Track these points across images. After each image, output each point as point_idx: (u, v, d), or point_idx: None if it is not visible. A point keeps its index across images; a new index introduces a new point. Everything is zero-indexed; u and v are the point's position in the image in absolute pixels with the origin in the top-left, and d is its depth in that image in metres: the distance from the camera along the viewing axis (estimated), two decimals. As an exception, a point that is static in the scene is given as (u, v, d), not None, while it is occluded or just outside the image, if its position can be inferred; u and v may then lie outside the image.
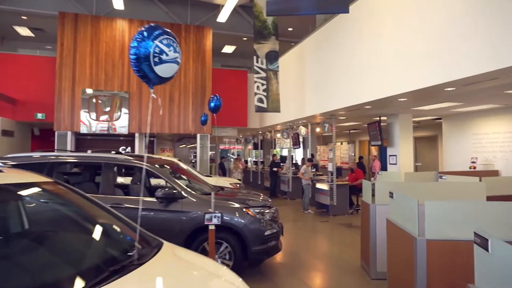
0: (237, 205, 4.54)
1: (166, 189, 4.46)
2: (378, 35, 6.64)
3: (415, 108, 8.22)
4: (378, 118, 9.61)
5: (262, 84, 9.25)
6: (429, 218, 2.72)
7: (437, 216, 2.73)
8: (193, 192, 4.62)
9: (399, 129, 9.06)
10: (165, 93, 11.48)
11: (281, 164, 13.89)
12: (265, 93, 9.26)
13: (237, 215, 4.44)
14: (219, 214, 4.21)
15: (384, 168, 14.02)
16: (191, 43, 11.78)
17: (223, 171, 13.91)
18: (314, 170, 11.41)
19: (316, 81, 9.25)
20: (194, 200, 4.49)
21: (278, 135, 13.93)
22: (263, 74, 9.33)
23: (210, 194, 4.97)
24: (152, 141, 14.39)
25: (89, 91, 10.77)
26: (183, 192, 4.50)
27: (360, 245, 5.36)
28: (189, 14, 13.24)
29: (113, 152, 9.24)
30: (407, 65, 5.86)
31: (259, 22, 9.28)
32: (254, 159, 20.04)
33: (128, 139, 14.33)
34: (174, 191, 4.43)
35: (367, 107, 7.82)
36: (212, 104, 7.94)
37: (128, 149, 12.72)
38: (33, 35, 14.05)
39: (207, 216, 4.20)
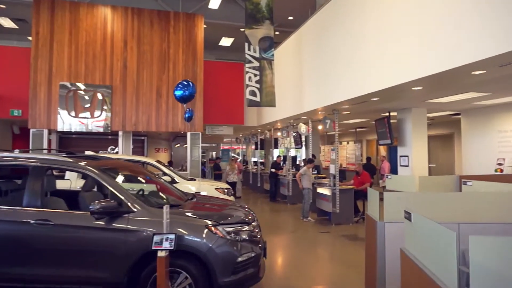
0: (201, 222, 3.45)
1: (110, 200, 3.39)
2: (388, 9, 5.49)
3: (430, 101, 7.04)
4: (387, 114, 8.44)
5: (255, 75, 8.15)
6: (477, 266, 1.60)
7: (490, 264, 1.61)
8: (145, 203, 3.55)
9: (412, 126, 7.88)
10: (152, 87, 10.47)
11: (283, 165, 12.78)
12: (258, 85, 8.16)
13: (200, 235, 3.36)
14: (173, 236, 3.15)
15: (394, 170, 12.82)
16: (180, 33, 10.75)
17: (215, 174, 12.85)
18: (315, 172, 10.28)
19: (316, 71, 8.13)
20: (147, 214, 3.43)
21: (279, 133, 12.80)
22: (256, 64, 8.23)
23: (178, 205, 3.94)
24: (141, 140, 13.40)
25: (68, 85, 9.82)
26: (130, 204, 3.44)
27: (365, 270, 4.25)
28: (181, 2, 12.22)
29: (88, 152, 8.28)
30: (423, 43, 4.71)
31: (251, 5, 8.19)
32: (255, 160, 18.95)
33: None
34: (118, 203, 3.37)
35: (374, 99, 6.68)
36: (177, 93, 6.41)
37: (117, 149, 11.75)
38: (16, 26, 13.21)
39: (155, 238, 3.14)
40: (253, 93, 8.12)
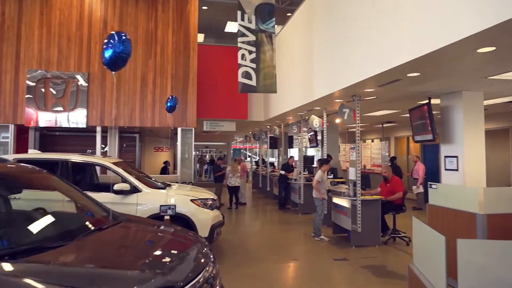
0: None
1: None
2: None
3: (494, 77, 4.92)
4: (426, 101, 6.35)
5: (250, 52, 6.31)
6: None
7: None
8: None
9: (463, 116, 5.77)
10: (136, 75, 8.87)
11: (294, 167, 10.87)
12: (253, 65, 6.33)
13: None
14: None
15: (433, 174, 10.58)
16: (170, 11, 9.09)
17: (216, 176, 11.10)
18: (331, 176, 8.32)
19: (330, 48, 6.19)
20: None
21: (293, 129, 10.79)
22: (251, 37, 6.38)
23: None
24: (132, 138, 11.90)
25: (38, 72, 8.40)
26: None
27: None
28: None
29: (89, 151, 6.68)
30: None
31: (245, -39, 6.39)
32: (271, 161, 17.06)
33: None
34: None
35: (411, 74, 4.68)
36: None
37: (107, 148, 10.30)
38: None
39: None
40: (247, 75, 6.29)
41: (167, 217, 4.85)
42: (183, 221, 5.17)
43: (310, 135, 11.83)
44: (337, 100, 6.84)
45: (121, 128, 10.45)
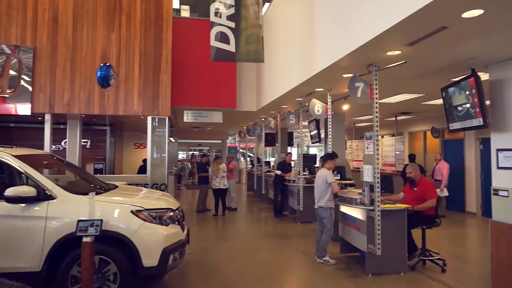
0: None
1: None
2: None
3: None
4: (468, 74, 4.57)
5: (227, 6, 4.56)
6: None
7: None
8: None
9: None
10: (95, 51, 7.17)
11: (293, 167, 9.14)
12: (231, 23, 4.58)
13: None
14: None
15: (457, 176, 8.90)
16: (139, -27, 7.38)
17: (200, 177, 9.39)
18: (338, 176, 6.57)
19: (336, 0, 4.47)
20: None
21: (291, 120, 8.89)
22: (229, -14, 4.64)
23: None
24: (102, 131, 10.18)
25: (-30, 46, 6.73)
26: None
27: None
28: None
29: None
30: None
31: None
32: (268, 160, 15.30)
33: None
34: None
35: (468, 14, 2.92)
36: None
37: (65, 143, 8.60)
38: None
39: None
40: (222, 38, 4.56)
41: (87, 239, 3.14)
42: (118, 244, 3.46)
43: (312, 130, 10.11)
44: (346, 75, 5.10)
45: (88, 119, 8.76)
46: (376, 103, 4.31)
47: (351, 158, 13.30)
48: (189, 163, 18.84)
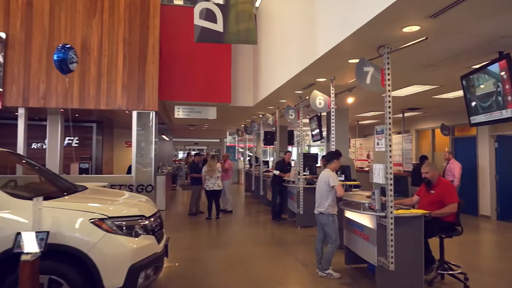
0: None
1: None
2: None
3: None
4: (498, 55, 3.90)
5: (213, -22, 3.92)
6: None
7: None
8: None
9: None
10: (75, 39, 6.53)
11: (292, 166, 8.46)
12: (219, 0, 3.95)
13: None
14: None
15: (469, 176, 8.22)
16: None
17: (193, 178, 8.74)
18: (342, 177, 5.90)
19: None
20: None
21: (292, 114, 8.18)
22: (216, -46, 3.99)
23: None
24: (88, 128, 9.53)
25: None
26: None
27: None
28: None
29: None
30: None
31: None
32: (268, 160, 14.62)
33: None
34: None
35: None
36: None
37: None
38: None
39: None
40: (208, 15, 3.93)
41: (26, 257, 2.48)
42: (75, 260, 2.81)
43: (313, 127, 9.45)
44: (352, 61, 4.44)
45: (71, 115, 8.12)
46: (389, 90, 3.65)
47: (355, 157, 12.63)
48: (184, 163, 18.17)
